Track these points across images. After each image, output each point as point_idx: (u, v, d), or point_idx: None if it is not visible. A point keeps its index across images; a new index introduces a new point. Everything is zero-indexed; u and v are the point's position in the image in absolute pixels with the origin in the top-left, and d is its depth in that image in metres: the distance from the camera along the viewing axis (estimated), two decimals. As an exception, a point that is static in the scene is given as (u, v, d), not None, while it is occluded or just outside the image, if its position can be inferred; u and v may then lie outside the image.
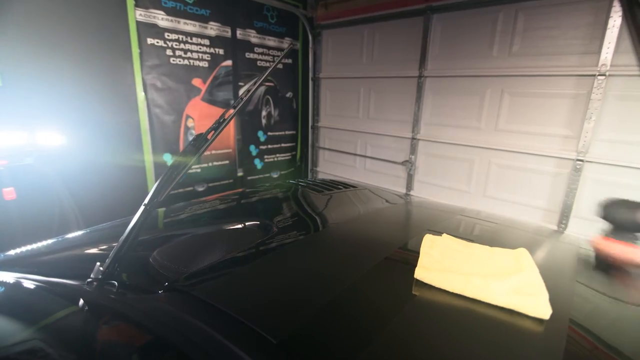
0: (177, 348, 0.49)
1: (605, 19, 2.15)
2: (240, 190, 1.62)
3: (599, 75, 2.19)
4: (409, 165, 3.26)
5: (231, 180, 3.59)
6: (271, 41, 3.63)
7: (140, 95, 2.79)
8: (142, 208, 0.65)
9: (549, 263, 0.84)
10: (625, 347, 0.54)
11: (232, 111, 0.73)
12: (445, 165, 3.07)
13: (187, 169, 0.68)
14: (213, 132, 0.70)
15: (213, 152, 3.36)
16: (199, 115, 3.17)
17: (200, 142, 0.69)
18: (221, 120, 0.72)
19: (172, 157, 3.07)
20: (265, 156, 3.91)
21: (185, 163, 0.68)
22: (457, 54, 2.81)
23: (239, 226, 0.99)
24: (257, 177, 3.85)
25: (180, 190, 3.15)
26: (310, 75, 3.94)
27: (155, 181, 2.96)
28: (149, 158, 2.94)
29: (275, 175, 4.06)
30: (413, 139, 3.19)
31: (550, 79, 2.40)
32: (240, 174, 3.66)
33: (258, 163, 3.85)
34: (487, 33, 2.64)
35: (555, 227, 2.50)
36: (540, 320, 0.54)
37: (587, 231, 2.38)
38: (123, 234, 0.65)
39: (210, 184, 3.40)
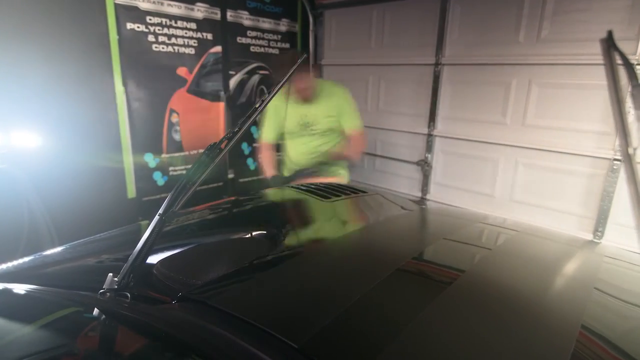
0: (203, 355, 0.61)
1: (644, 1, 2.27)
2: (238, 197, 1.74)
3: (637, 64, 2.30)
4: (424, 165, 3.37)
5: (221, 183, 3.70)
6: (266, 23, 3.74)
7: (119, 87, 2.90)
8: (156, 218, 0.76)
9: (566, 269, 0.96)
10: (638, 355, 0.65)
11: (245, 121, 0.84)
12: (465, 166, 3.18)
13: (202, 178, 0.80)
14: (227, 141, 0.81)
15: (200, 151, 3.47)
16: (185, 109, 3.29)
17: (214, 151, 0.80)
18: (235, 130, 0.83)
19: (155, 157, 3.19)
20: (260, 155, 4.02)
21: (200, 172, 0.80)
22: (479, 40, 2.93)
23: (245, 236, 1.10)
24: (250, 179, 3.96)
25: (164, 195, 3.26)
26: (311, 62, 4.05)
27: (135, 182, 3.08)
28: (128, 158, 3.06)
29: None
30: (429, 135, 3.30)
31: (584, 69, 2.51)
32: (230, 176, 3.77)
33: (251, 163, 3.96)
34: (512, 16, 2.75)
35: (590, 235, 2.61)
36: (550, 325, 0.66)
37: (627, 240, 2.49)
38: (137, 243, 0.76)
39: (198, 187, 3.51)
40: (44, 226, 2.60)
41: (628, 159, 0.71)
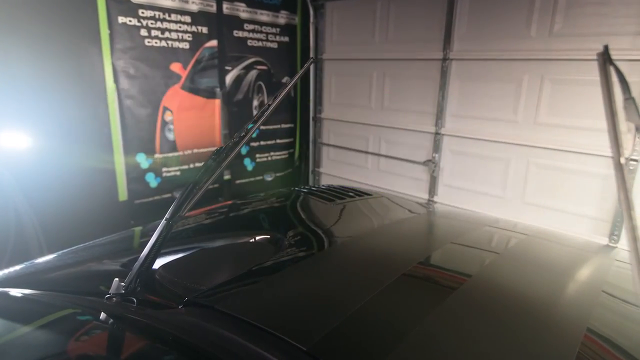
0: (210, 358, 0.66)
1: (661, -6, 2.32)
2: (237, 200, 1.79)
3: (654, 60, 2.36)
4: (431, 165, 3.42)
5: (217, 185, 3.74)
6: (264, 16, 3.79)
7: (110, 84, 2.95)
8: (163, 222, 0.81)
9: (574, 273, 1.02)
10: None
11: (252, 125, 0.89)
12: (475, 166, 3.23)
13: (209, 183, 0.85)
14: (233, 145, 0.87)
15: (195, 151, 3.52)
16: (179, 106, 3.33)
17: (222, 154, 0.86)
18: (242, 134, 0.88)
19: (147, 157, 3.23)
20: (257, 155, 4.07)
21: (207, 176, 0.85)
22: (489, 34, 2.97)
23: (249, 240, 1.16)
24: (247, 180, 4.01)
25: (157, 197, 3.31)
26: (312, 56, 4.10)
27: (127, 184, 3.13)
28: (119, 159, 3.10)
29: (269, 178, 4.22)
30: (437, 134, 3.35)
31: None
32: (227, 177, 3.82)
33: (249, 163, 4.01)
34: (523, 9, 2.80)
35: (606, 239, 2.66)
36: (555, 327, 0.71)
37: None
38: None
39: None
40: (32, 230, 2.65)
41: (620, 167, 0.78)
